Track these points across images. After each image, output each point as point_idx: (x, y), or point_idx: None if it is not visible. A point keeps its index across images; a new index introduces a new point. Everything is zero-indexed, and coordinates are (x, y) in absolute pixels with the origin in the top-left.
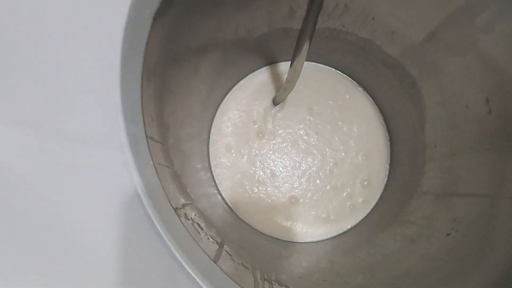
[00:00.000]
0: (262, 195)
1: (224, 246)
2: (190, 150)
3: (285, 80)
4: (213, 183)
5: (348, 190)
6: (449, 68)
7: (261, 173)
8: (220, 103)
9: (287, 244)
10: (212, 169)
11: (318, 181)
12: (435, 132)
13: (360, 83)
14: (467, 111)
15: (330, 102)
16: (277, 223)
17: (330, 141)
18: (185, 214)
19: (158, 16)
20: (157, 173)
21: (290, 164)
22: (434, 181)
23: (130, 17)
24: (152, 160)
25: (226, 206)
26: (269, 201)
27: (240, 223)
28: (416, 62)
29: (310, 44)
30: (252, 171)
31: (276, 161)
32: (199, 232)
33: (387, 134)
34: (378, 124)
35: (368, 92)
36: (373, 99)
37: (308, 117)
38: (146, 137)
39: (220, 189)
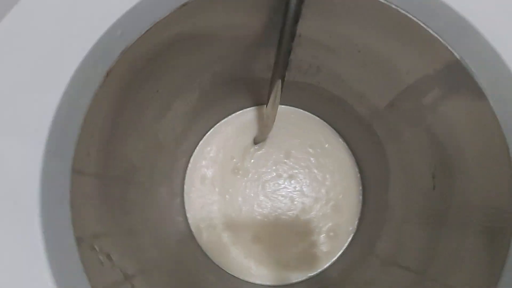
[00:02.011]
0: (226, 229)
1: (136, 278)
2: (159, 181)
3: (262, 121)
4: (182, 211)
5: (313, 238)
6: (406, 137)
7: (229, 207)
8: (201, 138)
9: (241, 284)
10: (185, 196)
11: (283, 225)
12: (395, 196)
13: (340, 133)
14: (418, 182)
15: (309, 149)
16: (235, 259)
17: (302, 186)
18: (92, 244)
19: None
20: (71, 202)
21: (257, 202)
22: (384, 245)
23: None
24: (71, 192)
25: (188, 233)
26: (233, 236)
27: (195, 254)
28: (381, 125)
29: (282, 87)
30: (221, 204)
31: (246, 198)
32: (102, 263)
33: (360, 188)
34: (353, 177)
35: (347, 144)
36: (352, 151)
37: (285, 160)
38: (72, 170)
39: (187, 216)
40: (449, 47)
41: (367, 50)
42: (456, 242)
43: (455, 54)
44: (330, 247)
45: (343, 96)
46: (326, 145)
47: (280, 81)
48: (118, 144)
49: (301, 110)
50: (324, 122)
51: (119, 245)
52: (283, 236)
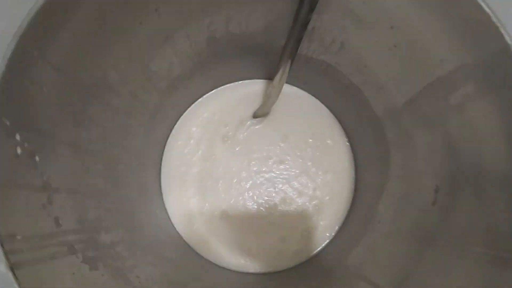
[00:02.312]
0: (197, 195)
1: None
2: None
3: (265, 95)
4: (158, 160)
5: (284, 233)
6: (418, 142)
7: (207, 174)
8: (199, 95)
9: (205, 263)
10: (166, 146)
11: (256, 209)
12: (386, 207)
13: (346, 131)
14: (417, 194)
15: (309, 139)
16: (197, 232)
17: (290, 174)
18: None
19: None
20: None
21: (238, 178)
22: (357, 257)
23: None
24: None
25: (157, 186)
26: (201, 204)
27: (155, 211)
28: (394, 126)
29: (292, 62)
30: (200, 168)
31: (227, 169)
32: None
33: (352, 195)
34: (347, 183)
35: (351, 145)
36: (353, 153)
37: (280, 143)
38: None
39: (162, 167)
40: (500, 28)
41: (402, 27)
42: (444, 266)
43: (507, 38)
44: (299, 248)
45: (361, 85)
46: (328, 141)
47: (292, 51)
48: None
49: (311, 96)
50: (333, 116)
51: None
52: (254, 221)
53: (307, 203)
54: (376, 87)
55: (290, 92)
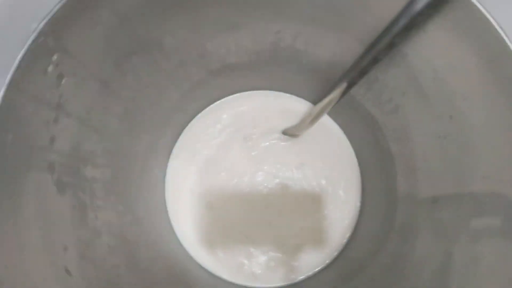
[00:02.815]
0: (195, 176)
1: None
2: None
3: (303, 117)
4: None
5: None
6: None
7: (214, 160)
8: (237, 91)
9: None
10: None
11: (259, 216)
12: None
13: (363, 188)
14: None
15: (323, 181)
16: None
17: (285, 203)
18: None
19: None
20: None
21: (238, 179)
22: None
23: None
24: None
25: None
26: (195, 186)
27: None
28: (404, 211)
29: (340, 99)
30: (213, 153)
31: (234, 165)
32: None
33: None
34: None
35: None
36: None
37: (294, 169)
38: None
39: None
40: None
41: (461, 122)
42: None
43: None
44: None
45: (396, 155)
46: (340, 192)
47: (345, 85)
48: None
49: (346, 139)
50: (358, 168)
51: None
52: (255, 225)
53: (311, 227)
54: (408, 167)
55: (327, 125)
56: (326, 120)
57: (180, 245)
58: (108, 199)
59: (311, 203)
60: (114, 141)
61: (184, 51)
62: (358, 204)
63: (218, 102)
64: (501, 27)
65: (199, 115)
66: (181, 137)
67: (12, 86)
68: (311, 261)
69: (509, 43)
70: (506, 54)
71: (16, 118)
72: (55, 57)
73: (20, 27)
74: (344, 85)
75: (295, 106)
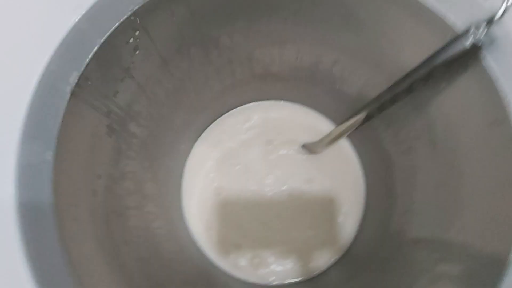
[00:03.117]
0: (210, 162)
1: None
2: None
3: (325, 135)
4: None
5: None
6: None
7: (233, 153)
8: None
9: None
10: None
11: (256, 213)
12: None
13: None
14: None
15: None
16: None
17: (281, 208)
18: None
19: None
20: None
21: (252, 175)
22: None
23: None
24: None
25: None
26: (209, 171)
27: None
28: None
29: (360, 126)
30: (233, 147)
31: (249, 163)
32: None
33: None
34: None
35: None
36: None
37: (303, 183)
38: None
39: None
40: None
41: (456, 176)
42: None
43: None
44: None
45: (400, 196)
46: (341, 218)
47: (364, 115)
48: None
49: (360, 167)
50: (363, 201)
51: None
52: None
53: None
54: (406, 207)
55: (345, 150)
56: (345, 145)
57: (184, 220)
58: (139, 153)
59: (310, 218)
60: (158, 109)
61: (235, 52)
62: (353, 234)
63: (252, 103)
64: (505, 95)
65: (233, 110)
66: (212, 125)
67: (105, 43)
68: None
69: (509, 112)
70: (504, 121)
71: (99, 66)
72: (137, 33)
73: (121, 7)
74: (363, 115)
75: (319, 124)
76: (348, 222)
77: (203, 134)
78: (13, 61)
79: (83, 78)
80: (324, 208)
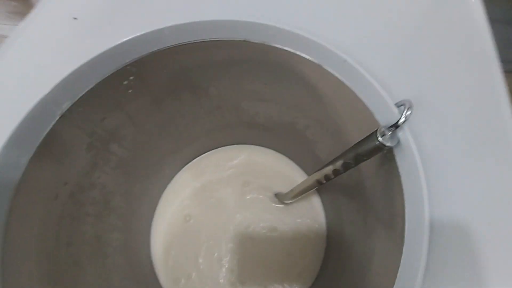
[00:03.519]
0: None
1: None
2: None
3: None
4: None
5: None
6: None
7: (207, 188)
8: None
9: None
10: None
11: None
12: None
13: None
14: None
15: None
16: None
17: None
18: None
19: None
20: None
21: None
22: None
23: None
24: None
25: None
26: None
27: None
28: None
29: (316, 184)
30: (206, 181)
31: (230, 200)
32: None
33: None
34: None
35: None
36: None
37: (269, 232)
38: None
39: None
40: None
41: None
42: None
43: None
44: None
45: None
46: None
47: (315, 181)
48: None
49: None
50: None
51: None
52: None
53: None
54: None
55: (316, 207)
56: (316, 204)
57: (148, 238)
58: (115, 170)
59: (265, 267)
60: (144, 136)
61: (223, 100)
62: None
63: (239, 145)
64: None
65: (219, 148)
66: (200, 157)
67: (98, 84)
68: None
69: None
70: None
71: (88, 99)
72: (131, 78)
73: (119, 58)
74: (314, 180)
75: (298, 177)
76: (302, 278)
77: (190, 164)
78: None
79: (75, 105)
80: (281, 261)
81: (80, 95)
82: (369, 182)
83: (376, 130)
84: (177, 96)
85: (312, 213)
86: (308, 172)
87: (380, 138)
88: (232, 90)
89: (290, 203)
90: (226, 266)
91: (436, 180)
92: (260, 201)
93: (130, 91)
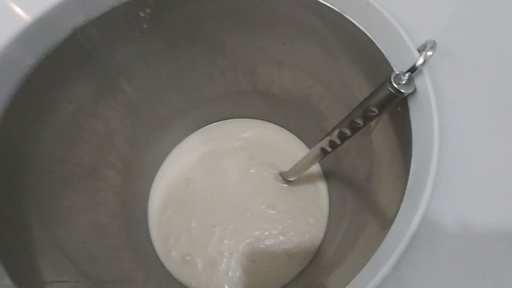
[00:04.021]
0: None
1: None
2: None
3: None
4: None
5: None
6: None
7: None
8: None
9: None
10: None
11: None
12: None
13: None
14: None
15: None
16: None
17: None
18: None
19: None
20: None
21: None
22: None
23: None
24: None
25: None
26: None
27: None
28: None
29: (321, 154)
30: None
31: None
32: None
33: None
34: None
35: None
36: None
37: (269, 209)
38: None
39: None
40: None
41: None
42: None
43: None
44: None
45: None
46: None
47: (319, 150)
48: None
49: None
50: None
51: None
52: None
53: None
54: None
55: (318, 185)
56: (321, 187)
57: (149, 188)
58: (121, 108)
59: (257, 245)
60: (153, 83)
61: (239, 60)
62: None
63: (250, 119)
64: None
65: (232, 120)
66: (213, 124)
67: (120, 7)
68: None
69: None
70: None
71: (110, 23)
72: (148, 10)
73: None
74: (318, 150)
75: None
76: (296, 259)
77: (201, 129)
78: None
79: (89, 25)
80: (276, 240)
81: (95, 14)
82: (376, 146)
83: (390, 76)
84: (193, 44)
85: (315, 197)
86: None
87: (394, 84)
88: (249, 47)
89: (293, 180)
90: (217, 235)
91: (451, 142)
92: (264, 177)
93: (145, 25)
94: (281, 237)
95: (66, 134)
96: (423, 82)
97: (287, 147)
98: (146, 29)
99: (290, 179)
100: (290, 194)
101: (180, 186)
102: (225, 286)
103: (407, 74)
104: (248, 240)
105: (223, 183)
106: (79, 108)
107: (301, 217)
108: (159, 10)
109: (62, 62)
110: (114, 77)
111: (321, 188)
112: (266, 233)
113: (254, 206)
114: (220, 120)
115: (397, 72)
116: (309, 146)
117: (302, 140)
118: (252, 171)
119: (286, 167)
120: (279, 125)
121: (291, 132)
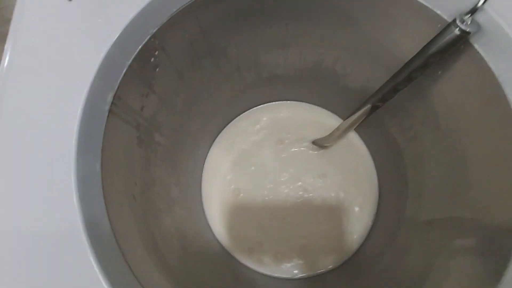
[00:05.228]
0: (228, 160)
1: None
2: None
3: (334, 129)
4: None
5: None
6: None
7: (247, 153)
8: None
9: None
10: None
11: (275, 211)
12: None
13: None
14: None
15: (341, 194)
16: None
17: (302, 203)
18: None
19: None
20: None
21: (266, 175)
22: None
23: None
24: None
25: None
26: (230, 176)
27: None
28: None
29: (369, 115)
30: (247, 147)
31: (262, 162)
32: None
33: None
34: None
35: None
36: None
37: (317, 177)
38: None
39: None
40: None
41: (461, 157)
42: None
43: None
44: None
45: (411, 182)
46: (356, 208)
47: (369, 107)
48: None
49: (371, 160)
50: (377, 188)
51: None
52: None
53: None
54: (417, 192)
55: (355, 142)
56: (354, 138)
57: (206, 222)
58: (163, 160)
59: (327, 211)
60: (176, 119)
61: (242, 59)
62: (370, 223)
63: (261, 105)
64: (498, 74)
65: (244, 114)
66: (225, 129)
67: (131, 65)
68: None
69: (504, 88)
70: (500, 98)
71: (128, 85)
72: (156, 52)
73: (142, 31)
74: (368, 107)
75: (327, 120)
76: (364, 212)
77: (217, 139)
78: (60, 89)
79: (117, 97)
80: (340, 201)
81: (118, 82)
82: (438, 85)
83: (454, 19)
84: (198, 64)
85: (353, 148)
86: (339, 113)
87: (460, 25)
88: (251, 43)
89: (331, 146)
90: (291, 223)
91: None
92: (300, 154)
93: (157, 69)
94: (345, 195)
95: (146, 214)
96: (487, 17)
97: (305, 116)
98: (159, 72)
99: (327, 145)
100: (331, 157)
101: (233, 200)
102: None
103: (468, 15)
104: (318, 212)
105: (269, 179)
106: (142, 183)
107: (352, 171)
108: (165, 47)
109: (113, 148)
110: (150, 136)
111: (353, 137)
112: (330, 200)
113: (308, 183)
114: (230, 121)
115: (460, 15)
116: (327, 109)
117: (319, 106)
118: (286, 154)
119: (314, 135)
120: (290, 100)
121: (305, 102)
